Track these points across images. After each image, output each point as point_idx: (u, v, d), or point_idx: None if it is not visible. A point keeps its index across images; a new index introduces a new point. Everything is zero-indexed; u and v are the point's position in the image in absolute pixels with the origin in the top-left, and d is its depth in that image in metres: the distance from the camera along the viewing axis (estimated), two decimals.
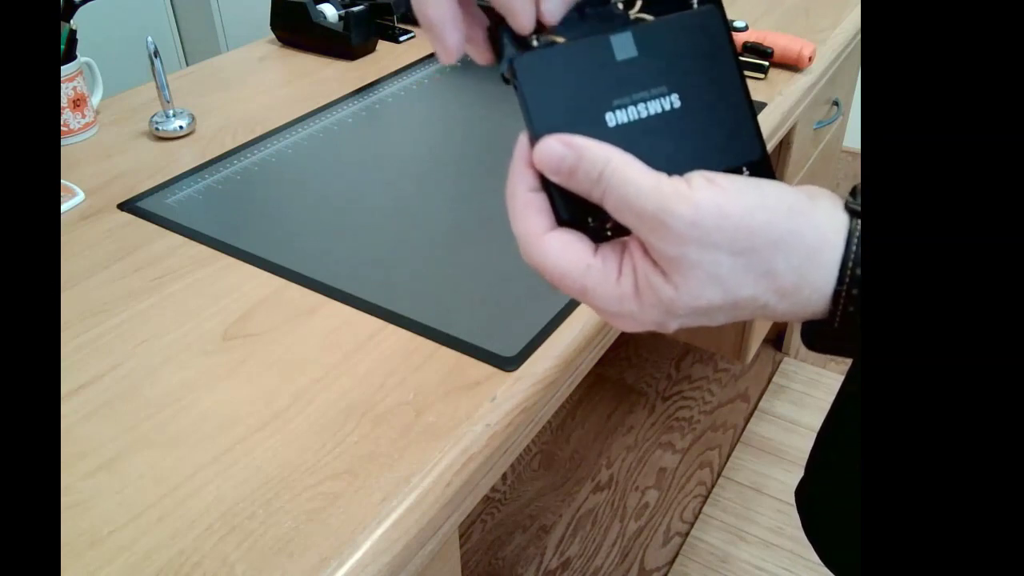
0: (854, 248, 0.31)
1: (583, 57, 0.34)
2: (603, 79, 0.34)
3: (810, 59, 1.07)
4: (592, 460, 1.56)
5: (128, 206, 0.81)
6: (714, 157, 0.35)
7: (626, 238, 0.34)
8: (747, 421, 1.62)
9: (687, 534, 1.44)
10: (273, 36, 1.21)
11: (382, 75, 1.09)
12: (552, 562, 1.40)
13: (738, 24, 1.10)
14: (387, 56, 1.15)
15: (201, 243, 0.75)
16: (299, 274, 0.70)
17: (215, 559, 0.47)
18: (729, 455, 1.56)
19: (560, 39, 0.34)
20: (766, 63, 1.05)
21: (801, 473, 0.63)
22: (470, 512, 0.63)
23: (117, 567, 0.46)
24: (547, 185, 0.34)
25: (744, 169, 0.35)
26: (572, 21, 0.35)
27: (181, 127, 0.94)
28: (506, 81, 0.35)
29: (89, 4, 0.94)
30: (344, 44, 1.13)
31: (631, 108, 0.34)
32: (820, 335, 0.34)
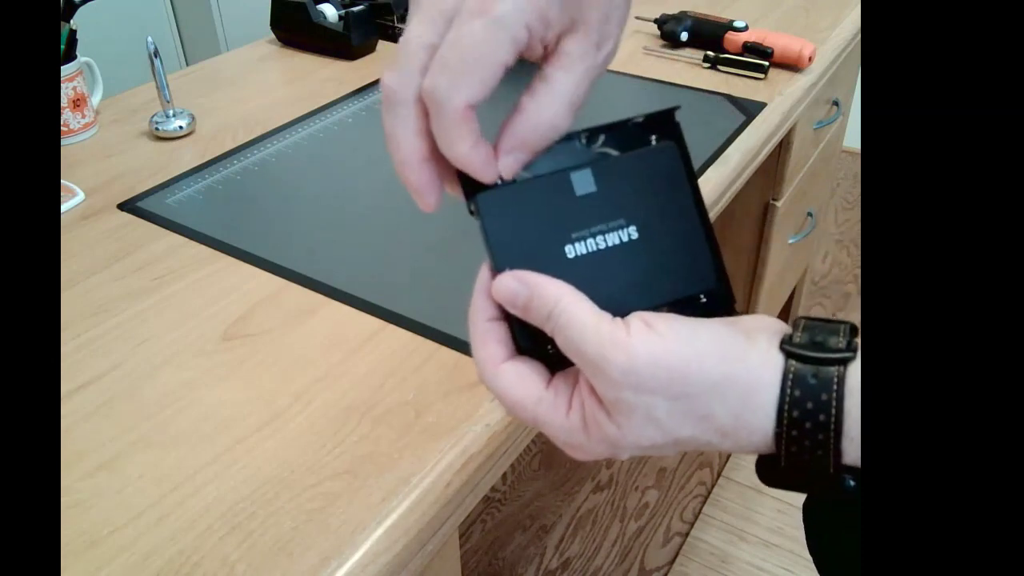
0: (788, 389, 0.31)
1: (544, 193, 0.36)
2: (563, 213, 0.36)
3: (810, 59, 1.07)
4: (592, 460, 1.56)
5: (128, 206, 0.81)
6: (669, 286, 0.36)
7: (578, 373, 0.35)
8: None
9: (687, 534, 1.44)
10: (273, 36, 1.21)
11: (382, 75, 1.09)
12: (552, 562, 1.40)
13: (738, 24, 1.10)
14: (387, 56, 1.15)
15: (201, 243, 0.75)
16: (299, 274, 0.70)
17: (215, 559, 0.47)
18: (729, 455, 1.56)
19: (525, 172, 0.36)
20: (766, 63, 1.05)
21: None
22: (470, 512, 0.63)
23: (117, 567, 0.46)
24: (507, 314, 0.36)
25: (701, 296, 0.37)
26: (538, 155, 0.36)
27: (181, 127, 0.94)
28: (472, 214, 0.36)
29: (89, 4, 0.94)
30: (344, 44, 1.13)
31: (589, 240, 0.36)
32: (771, 471, 0.34)
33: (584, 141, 0.37)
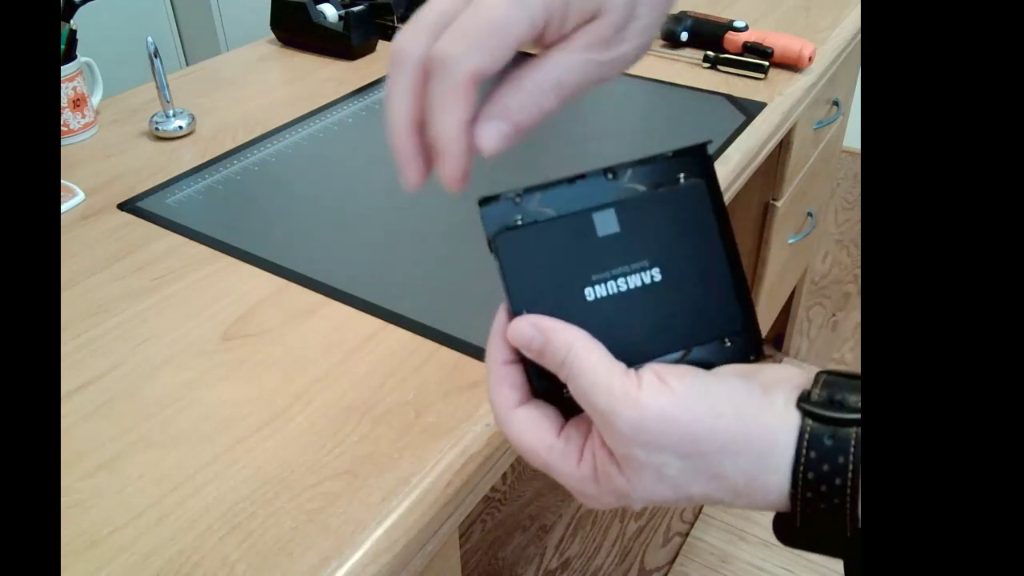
0: (804, 451, 0.30)
1: (564, 234, 0.35)
2: (583, 255, 0.35)
3: (810, 59, 1.06)
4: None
5: (128, 206, 0.81)
6: (692, 330, 0.35)
7: (591, 421, 0.35)
8: None
9: (687, 534, 1.44)
10: (273, 36, 1.21)
11: (382, 75, 1.09)
12: (552, 562, 1.40)
13: (738, 24, 1.10)
14: (387, 56, 1.15)
15: (201, 243, 0.75)
16: (299, 274, 0.70)
17: (215, 559, 0.47)
18: None
19: (548, 210, 0.35)
20: (766, 63, 1.05)
21: None
22: (470, 512, 0.63)
23: (117, 567, 0.46)
24: (523, 356, 0.35)
25: (726, 340, 0.36)
26: (562, 190, 0.35)
27: (181, 127, 0.94)
28: (491, 251, 0.35)
29: (89, 4, 0.94)
30: (344, 44, 1.13)
31: (611, 282, 0.35)
32: (787, 529, 0.33)
33: (611, 177, 0.36)
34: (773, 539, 1.50)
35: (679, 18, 1.15)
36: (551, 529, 1.45)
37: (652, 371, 0.32)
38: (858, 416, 0.30)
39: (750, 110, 0.98)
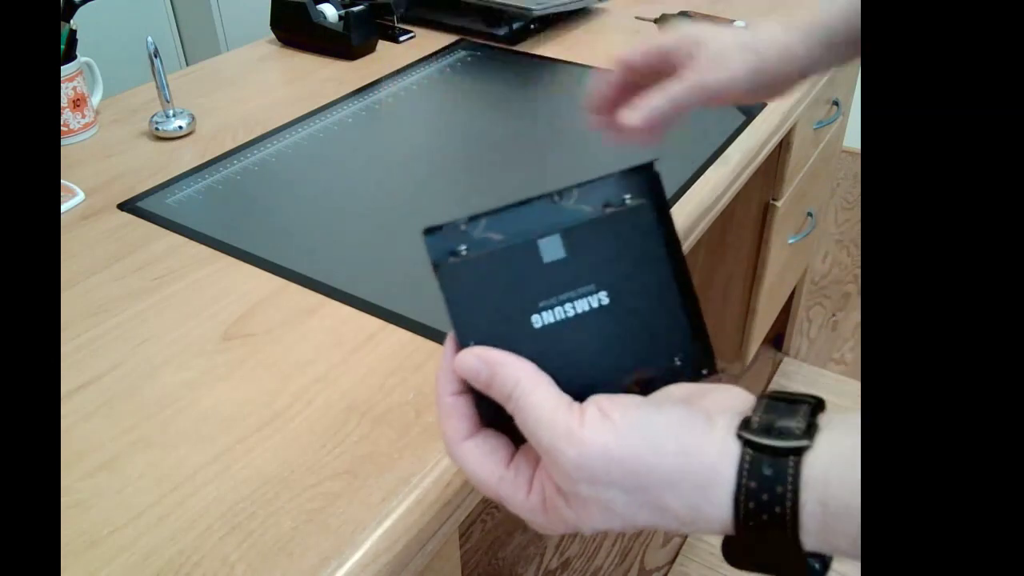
0: (743, 481, 0.30)
1: (509, 262, 0.35)
2: (529, 282, 0.35)
3: None
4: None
5: (128, 206, 0.81)
6: (642, 352, 0.35)
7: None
8: None
9: (687, 534, 1.44)
10: (273, 36, 1.21)
11: (382, 75, 1.09)
12: (552, 562, 1.40)
13: (738, 24, 1.10)
14: (387, 56, 1.15)
15: (201, 243, 0.75)
16: (299, 274, 0.70)
17: (215, 559, 0.47)
18: None
19: (494, 236, 0.35)
20: None
21: None
22: (470, 512, 0.63)
23: (117, 567, 0.46)
24: (471, 387, 0.35)
25: (676, 360, 0.36)
26: (508, 216, 0.35)
27: (181, 127, 0.94)
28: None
29: (89, 4, 0.94)
30: (344, 44, 1.13)
31: (557, 308, 0.35)
32: (735, 553, 0.33)
33: (558, 199, 0.36)
34: None
35: (679, 18, 1.15)
36: None
37: (596, 405, 0.32)
38: (796, 444, 0.30)
39: (750, 110, 0.98)
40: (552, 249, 0.35)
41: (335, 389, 0.58)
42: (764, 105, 0.99)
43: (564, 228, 0.35)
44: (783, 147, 1.16)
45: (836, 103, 1.31)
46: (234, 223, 0.78)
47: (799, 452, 0.30)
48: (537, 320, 0.35)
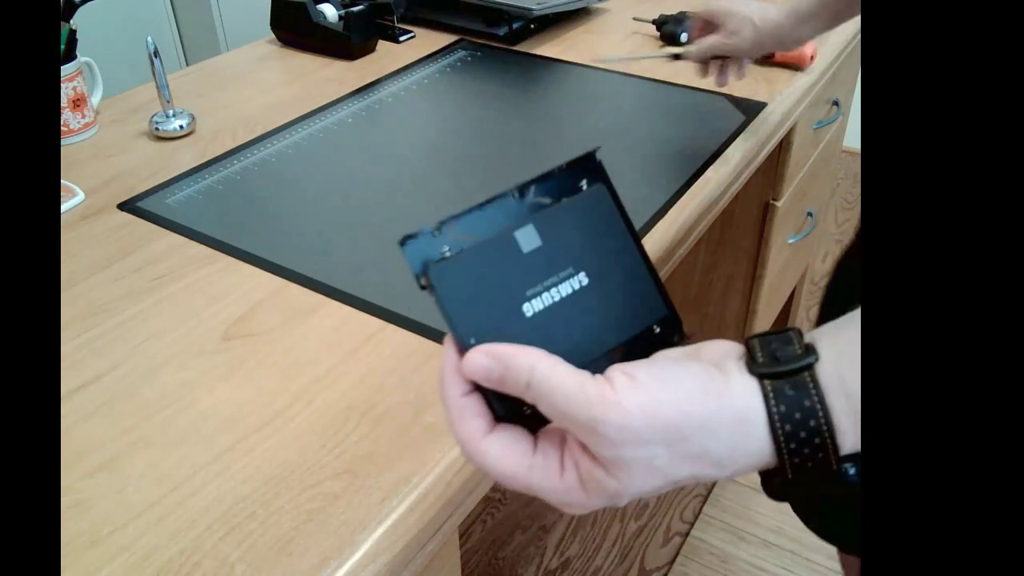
0: (773, 407, 0.32)
1: (492, 256, 0.36)
2: (515, 273, 0.36)
3: (812, 57, 1.07)
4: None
5: (128, 206, 0.81)
6: (627, 323, 0.37)
7: (560, 432, 0.35)
8: None
9: (687, 534, 1.44)
10: (273, 36, 1.21)
11: (382, 75, 1.09)
12: (552, 562, 1.40)
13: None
14: (387, 56, 1.15)
15: (201, 243, 0.75)
16: (299, 274, 0.70)
17: (215, 559, 0.47)
18: None
19: (468, 236, 0.36)
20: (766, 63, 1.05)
21: None
22: (470, 512, 0.63)
23: (117, 567, 0.46)
24: (479, 385, 0.35)
25: (655, 327, 0.38)
26: (476, 216, 0.36)
27: (181, 127, 0.94)
28: (423, 288, 0.36)
29: (89, 4, 0.95)
30: (344, 44, 1.13)
31: (545, 295, 0.36)
32: (777, 484, 0.34)
33: (519, 196, 0.37)
34: (773, 539, 1.51)
35: (679, 19, 1.15)
36: (551, 529, 1.45)
37: (619, 370, 0.33)
38: (804, 361, 0.32)
39: (750, 110, 0.98)
40: (529, 239, 0.36)
41: (335, 389, 0.58)
42: (764, 105, 0.99)
43: (535, 217, 0.37)
44: (783, 147, 1.16)
45: (836, 103, 1.31)
46: (234, 223, 0.78)
47: (810, 367, 0.32)
48: (528, 309, 0.36)
